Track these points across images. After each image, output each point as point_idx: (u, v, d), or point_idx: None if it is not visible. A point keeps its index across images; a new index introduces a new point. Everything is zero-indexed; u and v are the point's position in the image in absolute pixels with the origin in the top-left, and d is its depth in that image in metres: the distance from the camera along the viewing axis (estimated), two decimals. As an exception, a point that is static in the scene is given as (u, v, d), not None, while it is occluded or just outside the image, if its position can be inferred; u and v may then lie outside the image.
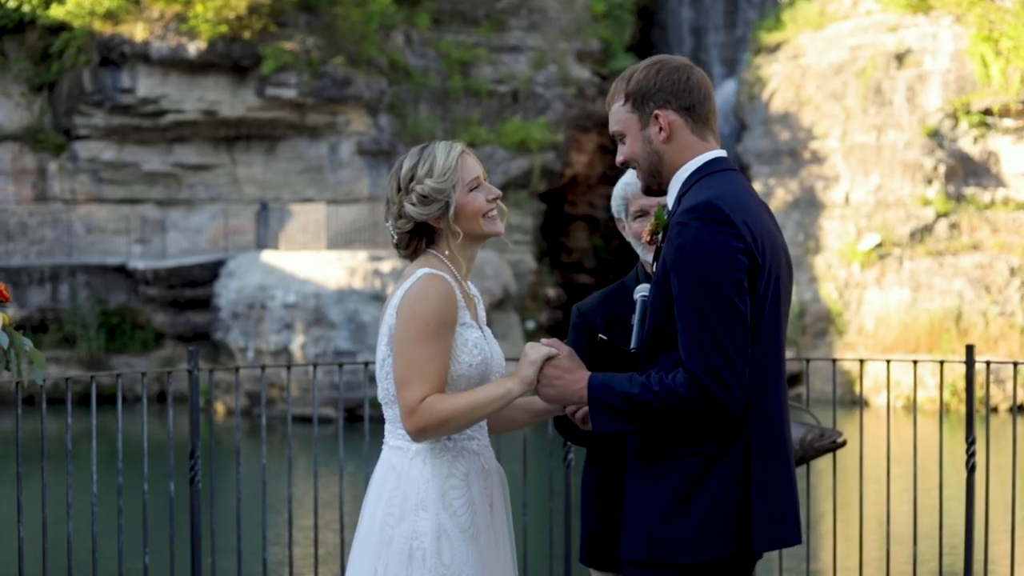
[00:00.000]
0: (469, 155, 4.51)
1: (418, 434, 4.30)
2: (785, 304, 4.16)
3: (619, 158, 4.26)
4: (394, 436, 4.48)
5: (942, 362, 6.94)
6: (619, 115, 4.22)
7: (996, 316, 32.84)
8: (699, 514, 4.00)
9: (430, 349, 4.30)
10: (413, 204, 4.43)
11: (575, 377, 4.16)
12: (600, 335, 4.50)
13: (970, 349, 6.85)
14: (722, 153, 4.19)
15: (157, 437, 25.01)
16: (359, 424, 27.20)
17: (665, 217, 4.22)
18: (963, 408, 28.70)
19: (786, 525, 4.12)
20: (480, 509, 4.45)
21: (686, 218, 3.98)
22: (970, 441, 7.00)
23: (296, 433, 26.94)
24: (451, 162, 4.42)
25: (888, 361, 7.00)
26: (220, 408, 32.18)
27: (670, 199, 4.19)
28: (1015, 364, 6.83)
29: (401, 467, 4.43)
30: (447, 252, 4.47)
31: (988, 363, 6.90)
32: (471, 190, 4.44)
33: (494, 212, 4.49)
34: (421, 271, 4.40)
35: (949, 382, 29.18)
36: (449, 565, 4.35)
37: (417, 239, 4.51)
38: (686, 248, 3.95)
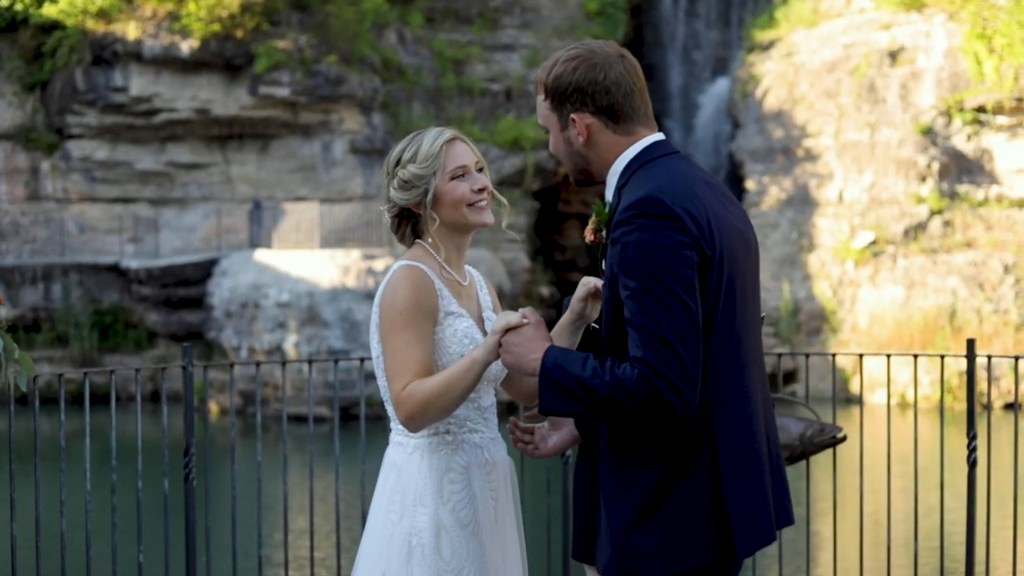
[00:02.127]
0: (462, 143, 4.46)
1: (408, 422, 4.25)
2: (746, 291, 4.00)
3: (550, 147, 4.16)
4: (395, 432, 4.46)
5: (943, 356, 6.90)
6: (541, 110, 4.10)
7: (990, 314, 32.85)
8: (669, 523, 3.86)
9: (406, 337, 4.27)
10: (395, 189, 4.42)
11: (533, 346, 4.02)
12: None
13: (971, 343, 6.80)
14: (659, 137, 4.04)
15: (150, 435, 24.96)
16: (352, 423, 27.17)
17: (606, 211, 4.07)
18: (957, 405, 28.67)
19: (764, 524, 3.97)
20: (482, 503, 4.41)
21: (627, 216, 3.83)
22: (971, 437, 6.96)
23: (289, 431, 26.88)
24: (434, 149, 4.38)
25: (888, 356, 6.95)
26: (213, 408, 32.12)
27: (609, 192, 4.06)
28: (1016, 359, 6.79)
29: (400, 463, 4.41)
30: (430, 240, 4.44)
31: (989, 357, 6.86)
32: (454, 178, 4.39)
33: (482, 203, 4.43)
34: (397, 264, 4.40)
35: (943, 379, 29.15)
36: (449, 561, 4.31)
37: (405, 224, 4.50)
38: (630, 248, 3.80)
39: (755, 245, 4.10)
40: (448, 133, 4.45)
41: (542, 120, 4.10)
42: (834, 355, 6.90)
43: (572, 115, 3.99)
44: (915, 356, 6.85)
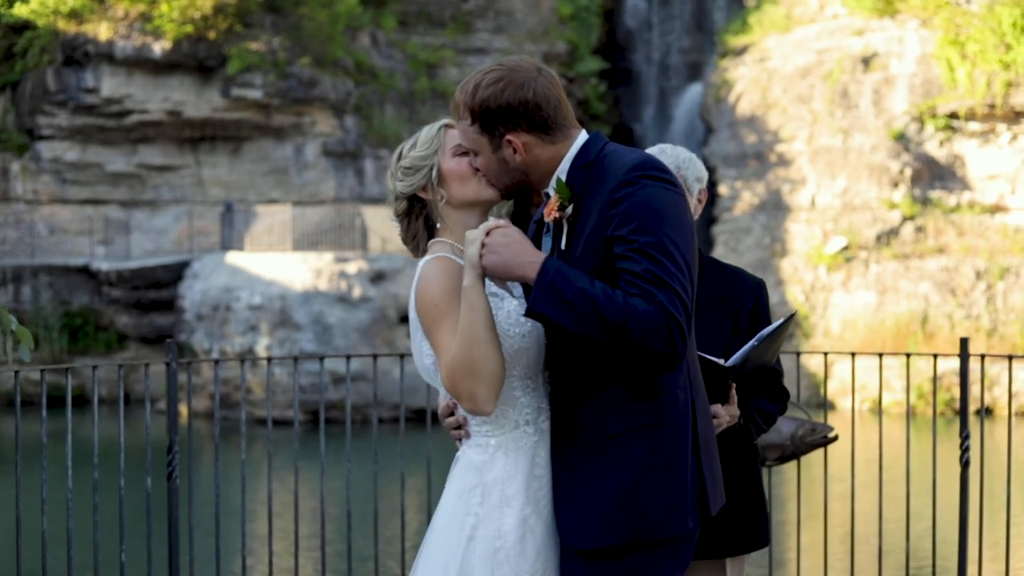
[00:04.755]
0: (456, 128, 4.41)
1: (469, 401, 4.04)
2: None
3: (480, 167, 4.17)
4: (475, 434, 4.26)
5: (935, 356, 6.86)
6: (468, 134, 4.11)
7: (962, 319, 32.92)
8: (678, 482, 3.93)
9: (447, 326, 4.12)
10: (400, 180, 4.37)
11: (524, 250, 3.96)
12: (710, 357, 4.72)
13: (964, 342, 6.76)
14: (587, 132, 4.11)
15: (125, 438, 24.73)
16: (327, 426, 27.04)
17: (568, 189, 4.06)
18: (928, 411, 28.63)
19: (722, 487, 4.16)
20: None
21: (633, 176, 3.91)
22: (964, 436, 6.91)
23: (259, 435, 26.78)
24: (433, 131, 4.35)
25: (880, 355, 6.91)
26: (183, 410, 31.96)
27: (563, 172, 4.08)
28: (1010, 357, 6.75)
29: (481, 464, 4.22)
30: (439, 224, 4.35)
31: (983, 356, 6.82)
32: (456, 155, 4.31)
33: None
34: (421, 261, 4.28)
35: (915, 384, 29.21)
36: (533, 562, 4.15)
37: (415, 219, 4.41)
38: (641, 203, 3.87)
39: None
40: (445, 120, 4.42)
41: (469, 143, 4.13)
42: (826, 354, 6.86)
43: (507, 136, 4.02)
44: (907, 356, 6.82)
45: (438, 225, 4.37)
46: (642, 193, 3.88)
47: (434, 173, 4.31)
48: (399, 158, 4.39)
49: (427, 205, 4.38)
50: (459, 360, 4.02)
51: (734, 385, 5.09)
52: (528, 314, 3.92)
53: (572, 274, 3.87)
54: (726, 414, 5.06)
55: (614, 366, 3.93)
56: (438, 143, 4.33)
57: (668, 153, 5.44)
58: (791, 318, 5.15)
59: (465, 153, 4.31)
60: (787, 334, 5.24)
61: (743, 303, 5.37)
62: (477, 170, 4.32)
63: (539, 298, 3.87)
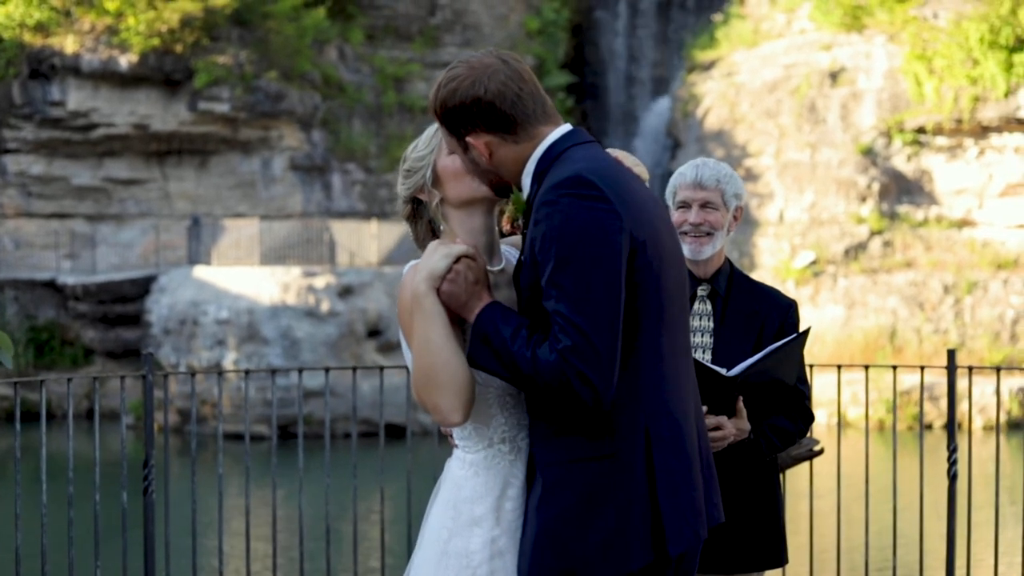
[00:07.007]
0: None
1: (435, 412, 3.92)
2: (671, 283, 3.84)
3: (464, 170, 4.05)
4: (459, 446, 4.15)
5: (922, 368, 6.81)
6: (444, 136, 3.99)
7: (930, 334, 33.02)
8: (615, 520, 3.72)
9: None
10: (401, 183, 4.25)
11: (479, 291, 3.84)
12: (715, 367, 4.57)
13: (952, 354, 6.71)
14: (567, 128, 3.88)
15: (89, 453, 24.63)
16: (292, 440, 26.90)
17: (523, 200, 3.92)
18: (897, 425, 28.68)
19: (695, 522, 3.83)
20: None
21: (554, 195, 3.67)
22: (951, 449, 6.87)
23: (227, 450, 26.62)
24: (431, 131, 4.21)
25: (866, 368, 6.86)
26: (158, 425, 31.75)
27: (525, 183, 3.89)
28: (998, 369, 6.71)
29: (458, 479, 4.10)
30: (442, 227, 4.20)
31: (970, 368, 6.78)
32: (451, 154, 4.15)
33: None
34: (405, 267, 4.18)
35: (884, 399, 29.27)
36: None
37: (419, 220, 4.28)
38: (555, 229, 3.63)
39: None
40: None
41: (446, 145, 4.00)
42: (811, 366, 6.79)
43: (467, 138, 3.87)
44: (894, 368, 6.77)
45: (441, 227, 4.26)
46: (558, 216, 3.65)
47: (429, 173, 4.19)
48: (403, 161, 4.27)
49: (427, 207, 4.26)
50: (418, 370, 3.90)
51: (741, 398, 5.00)
52: (469, 363, 3.82)
53: (503, 323, 3.75)
54: (732, 427, 4.96)
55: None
56: (435, 142, 4.19)
57: (710, 166, 5.38)
58: (803, 335, 5.07)
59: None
60: (800, 350, 5.14)
61: (770, 320, 5.30)
62: None
63: (473, 349, 3.79)
